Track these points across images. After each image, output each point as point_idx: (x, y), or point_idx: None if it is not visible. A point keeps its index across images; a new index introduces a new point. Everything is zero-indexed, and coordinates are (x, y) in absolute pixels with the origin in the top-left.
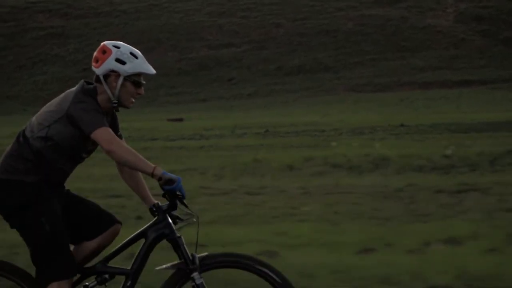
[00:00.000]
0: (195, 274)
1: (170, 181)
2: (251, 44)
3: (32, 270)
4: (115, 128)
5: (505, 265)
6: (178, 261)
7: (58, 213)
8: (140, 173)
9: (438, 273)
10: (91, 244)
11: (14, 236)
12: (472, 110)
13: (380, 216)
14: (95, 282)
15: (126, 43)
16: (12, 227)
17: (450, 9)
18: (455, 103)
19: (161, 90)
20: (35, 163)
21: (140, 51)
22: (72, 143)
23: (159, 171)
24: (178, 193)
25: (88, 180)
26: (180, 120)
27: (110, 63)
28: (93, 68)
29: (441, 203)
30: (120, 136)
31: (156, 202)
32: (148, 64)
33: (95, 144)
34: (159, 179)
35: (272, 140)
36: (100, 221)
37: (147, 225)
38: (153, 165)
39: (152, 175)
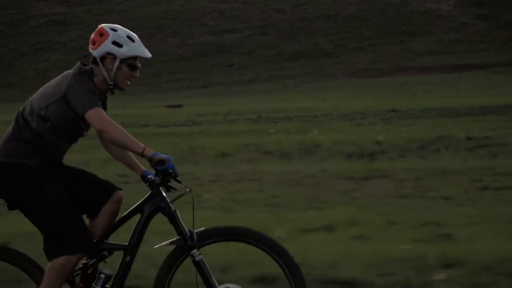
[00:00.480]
0: (194, 251)
1: (161, 162)
2: (252, 30)
3: (37, 257)
4: (104, 102)
5: (358, 253)
6: (177, 238)
7: (63, 193)
8: None
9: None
10: (102, 218)
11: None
12: (470, 95)
13: (275, 203)
14: (95, 259)
15: (127, 29)
16: (10, 209)
17: None
18: (454, 88)
19: (162, 76)
20: (36, 145)
21: (141, 37)
22: (69, 125)
23: (149, 151)
24: (170, 171)
25: None
26: (179, 106)
27: (107, 46)
28: (90, 50)
29: (343, 189)
30: (106, 105)
31: (149, 176)
32: (144, 48)
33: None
34: (150, 159)
35: (264, 126)
36: (101, 191)
37: (142, 200)
38: (143, 145)
39: (142, 155)
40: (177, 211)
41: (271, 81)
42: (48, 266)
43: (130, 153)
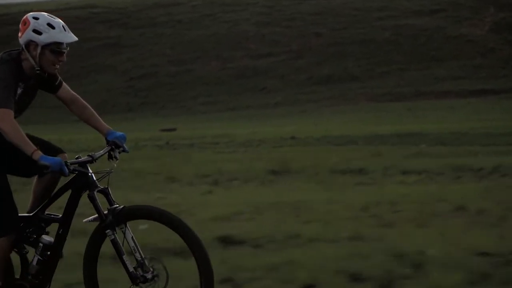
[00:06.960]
0: (108, 231)
1: (45, 167)
2: (289, 54)
3: None
4: (52, 82)
5: None
6: (97, 215)
7: (3, 180)
8: (89, 107)
9: None
10: (47, 176)
11: None
12: (446, 120)
13: None
14: (34, 229)
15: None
16: None
17: (488, 19)
18: (453, 113)
19: (199, 99)
20: None
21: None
22: None
23: (37, 155)
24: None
25: None
26: (173, 130)
27: (28, 34)
28: (19, 38)
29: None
30: (60, 82)
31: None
32: (66, 33)
33: (30, 97)
34: (36, 162)
35: (163, 152)
36: (50, 153)
37: (71, 178)
38: (33, 148)
39: (31, 157)
40: (108, 188)
41: (296, 105)
42: None
43: (96, 114)
